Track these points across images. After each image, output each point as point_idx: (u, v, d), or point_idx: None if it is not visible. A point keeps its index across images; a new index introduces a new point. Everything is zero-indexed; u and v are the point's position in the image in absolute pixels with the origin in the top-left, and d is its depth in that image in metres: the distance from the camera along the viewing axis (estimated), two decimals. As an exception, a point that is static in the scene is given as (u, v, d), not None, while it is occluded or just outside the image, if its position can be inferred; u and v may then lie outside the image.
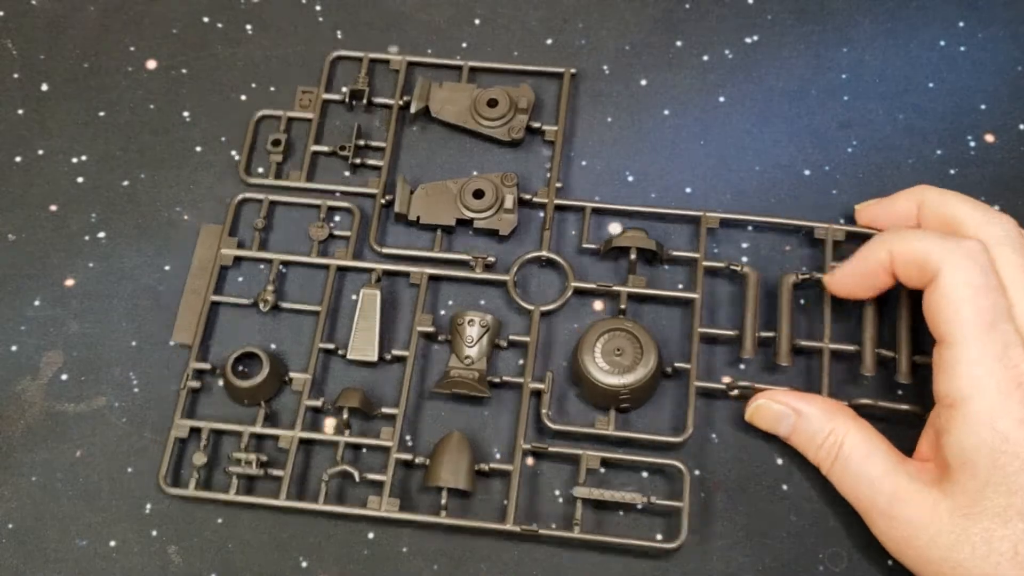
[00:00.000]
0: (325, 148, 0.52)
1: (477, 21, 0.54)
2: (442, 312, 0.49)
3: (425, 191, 0.50)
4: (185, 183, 0.51)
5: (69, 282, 0.50)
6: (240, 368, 0.47)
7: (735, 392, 0.46)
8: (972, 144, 0.50)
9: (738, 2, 0.53)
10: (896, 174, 0.50)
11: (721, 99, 0.52)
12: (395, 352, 0.47)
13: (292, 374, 0.47)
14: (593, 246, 0.49)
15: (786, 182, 0.50)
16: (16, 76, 0.53)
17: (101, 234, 0.50)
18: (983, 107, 0.51)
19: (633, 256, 0.48)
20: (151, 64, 0.53)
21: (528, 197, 0.50)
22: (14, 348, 0.48)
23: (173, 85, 0.53)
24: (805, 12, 0.53)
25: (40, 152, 0.52)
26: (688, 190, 0.50)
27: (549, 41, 0.53)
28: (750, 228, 0.49)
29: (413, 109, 0.51)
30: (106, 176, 0.51)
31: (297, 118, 0.52)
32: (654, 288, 0.48)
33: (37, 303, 0.49)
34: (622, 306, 0.48)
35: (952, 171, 0.50)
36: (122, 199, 0.51)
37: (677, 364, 0.46)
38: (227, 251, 0.50)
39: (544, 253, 0.49)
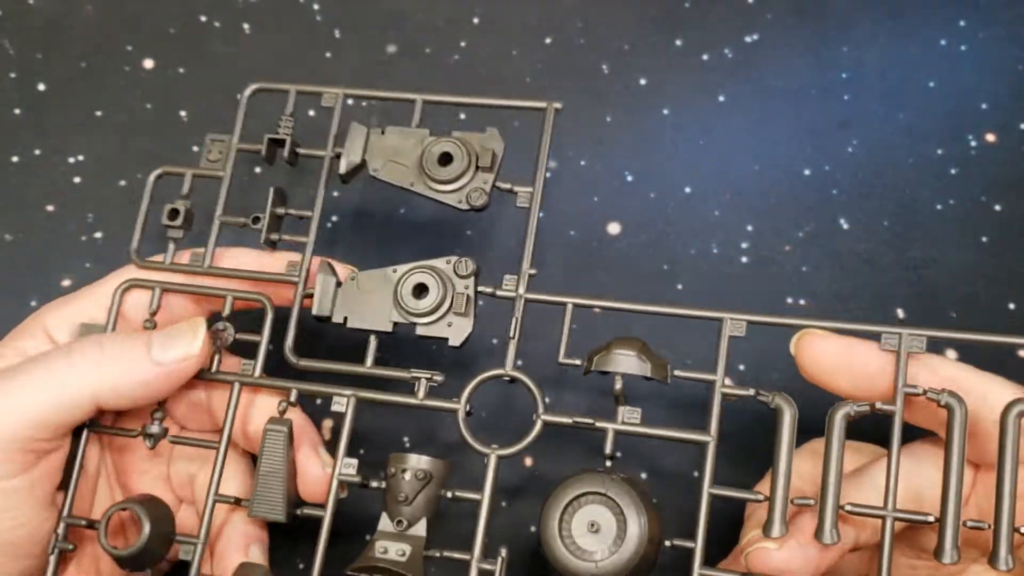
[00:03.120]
0: (236, 219, 0.42)
1: (476, 20, 0.54)
2: (366, 451, 0.42)
3: (357, 282, 0.40)
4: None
5: (66, 282, 0.49)
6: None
7: None
8: (973, 144, 0.50)
9: (738, 1, 0.53)
10: (896, 174, 0.50)
11: (721, 98, 0.51)
12: (308, 511, 0.39)
13: (180, 536, 0.39)
14: (575, 362, 0.38)
15: (786, 182, 0.50)
16: (13, 76, 0.53)
17: (98, 234, 0.50)
18: (984, 106, 0.51)
19: (619, 386, 0.37)
20: (148, 63, 0.53)
21: (490, 291, 0.40)
22: (11, 349, 0.48)
23: (170, 85, 0.53)
24: (805, 11, 0.53)
25: (37, 152, 0.52)
26: (687, 190, 0.50)
27: (548, 40, 0.53)
28: (750, 227, 0.49)
29: (343, 169, 0.41)
30: (103, 176, 0.51)
31: (204, 175, 0.43)
32: (655, 420, 0.38)
33: (34, 303, 0.49)
34: (608, 452, 0.37)
35: (953, 171, 0.50)
36: (119, 199, 0.51)
37: (677, 542, 0.37)
38: None
39: (507, 372, 0.39)
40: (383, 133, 0.42)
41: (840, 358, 0.37)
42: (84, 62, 0.53)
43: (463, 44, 0.53)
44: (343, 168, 0.41)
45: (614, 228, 0.49)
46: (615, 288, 0.48)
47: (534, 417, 0.38)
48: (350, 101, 0.43)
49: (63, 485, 0.39)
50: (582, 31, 0.53)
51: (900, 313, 0.48)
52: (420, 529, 0.38)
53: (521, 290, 0.39)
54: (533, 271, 0.40)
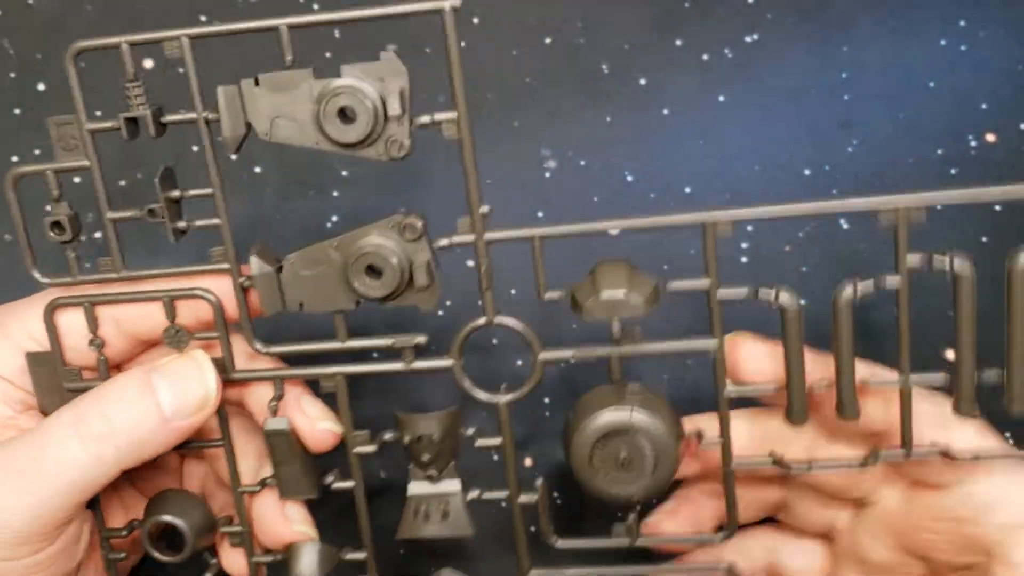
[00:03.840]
0: (128, 213, 0.38)
1: (475, 20, 0.54)
2: (368, 411, 0.42)
3: (296, 264, 0.36)
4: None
5: (66, 282, 0.49)
6: (159, 536, 0.40)
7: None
8: (973, 144, 0.50)
9: (738, 1, 0.53)
10: (896, 174, 0.50)
11: (721, 98, 0.51)
12: (337, 485, 0.39)
13: (225, 528, 0.40)
14: (555, 295, 0.37)
15: (786, 181, 0.50)
16: (13, 75, 0.53)
17: (98, 234, 0.50)
18: (984, 106, 0.51)
19: (616, 327, 0.37)
20: (148, 63, 0.53)
21: (445, 242, 0.36)
22: (10, 349, 0.48)
23: (170, 84, 0.53)
24: (805, 11, 0.53)
25: (36, 152, 0.52)
26: (687, 190, 0.50)
27: (548, 40, 0.53)
28: (750, 227, 0.49)
29: (229, 148, 0.36)
30: (103, 176, 0.51)
31: (67, 169, 0.38)
32: (657, 336, 0.38)
33: (34, 303, 0.49)
34: (616, 377, 0.38)
35: (953, 171, 0.50)
36: (119, 199, 0.50)
37: (707, 444, 0.38)
38: (73, 386, 0.39)
39: (491, 319, 0.37)
40: (256, 85, 0.35)
41: (766, 357, 0.38)
42: (84, 62, 0.53)
43: (463, 44, 0.53)
44: (229, 147, 0.36)
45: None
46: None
47: (532, 359, 0.37)
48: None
49: (89, 505, 0.39)
50: (582, 31, 0.53)
51: (900, 313, 0.48)
52: (452, 475, 0.39)
53: (479, 233, 0.36)
54: (485, 208, 0.36)
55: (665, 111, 0.51)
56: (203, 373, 0.37)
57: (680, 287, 0.37)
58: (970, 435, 0.38)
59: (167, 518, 0.39)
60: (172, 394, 0.37)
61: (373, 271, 0.36)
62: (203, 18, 0.54)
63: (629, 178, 0.50)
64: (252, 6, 0.54)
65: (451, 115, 0.35)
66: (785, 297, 0.36)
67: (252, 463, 0.41)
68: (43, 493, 0.36)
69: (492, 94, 0.50)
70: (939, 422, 0.38)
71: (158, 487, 0.43)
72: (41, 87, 0.53)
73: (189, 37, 0.36)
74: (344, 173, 0.51)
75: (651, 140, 0.51)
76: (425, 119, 0.35)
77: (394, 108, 0.34)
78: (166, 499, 0.40)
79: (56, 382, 0.39)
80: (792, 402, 0.37)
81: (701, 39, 0.53)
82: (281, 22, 0.34)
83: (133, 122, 0.37)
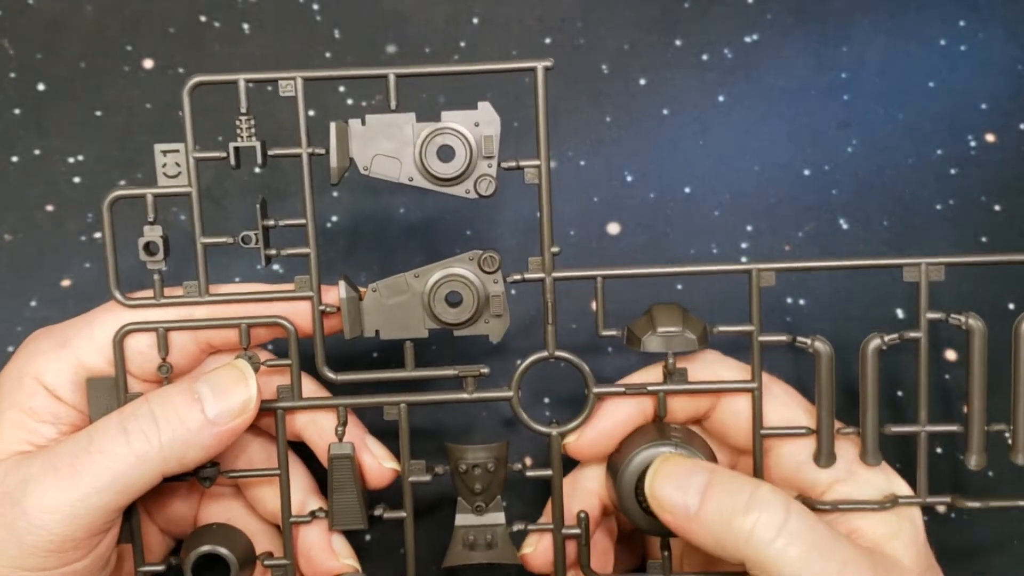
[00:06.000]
0: (221, 239, 0.39)
1: (475, 20, 0.54)
2: (423, 442, 0.43)
3: (378, 292, 0.39)
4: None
5: (65, 282, 0.50)
6: (201, 570, 0.39)
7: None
8: (973, 144, 0.50)
9: (737, 1, 0.53)
10: (896, 174, 0.50)
11: (720, 98, 0.51)
12: (388, 515, 0.40)
13: (268, 561, 0.40)
14: (613, 333, 0.41)
15: (785, 182, 0.50)
16: (12, 75, 0.53)
17: (97, 234, 0.50)
18: (984, 107, 0.51)
19: (671, 361, 0.40)
20: (148, 63, 0.53)
21: (518, 277, 0.40)
22: (11, 349, 0.48)
23: (170, 85, 0.53)
24: (805, 11, 0.53)
25: (36, 152, 0.52)
26: (687, 190, 0.50)
27: (548, 40, 0.53)
28: (750, 227, 0.49)
29: (334, 179, 0.38)
30: (103, 176, 0.51)
31: (167, 194, 0.40)
32: (700, 376, 0.40)
33: (34, 303, 0.49)
34: (661, 414, 0.40)
35: (952, 171, 0.50)
36: (119, 200, 0.51)
37: None
38: None
39: (551, 352, 0.40)
40: (363, 124, 0.38)
41: (600, 436, 0.41)
42: (84, 62, 0.53)
43: (463, 44, 0.53)
44: (334, 177, 0.38)
45: (614, 228, 0.49)
46: (614, 287, 0.47)
47: (586, 392, 0.40)
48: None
49: (120, 540, 0.39)
50: (582, 31, 0.53)
51: (900, 313, 0.48)
52: (498, 508, 0.40)
53: (548, 271, 0.39)
54: (556, 249, 0.40)
55: (665, 111, 0.51)
56: (246, 379, 0.38)
57: (726, 331, 0.40)
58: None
59: (215, 549, 0.38)
60: (215, 397, 0.37)
61: (452, 300, 0.39)
62: (203, 18, 0.54)
63: (629, 178, 0.50)
64: (251, 6, 0.54)
65: (535, 162, 0.39)
66: (819, 345, 0.39)
67: (297, 496, 0.41)
68: (84, 489, 0.36)
69: (492, 94, 0.50)
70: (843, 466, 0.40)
71: (178, 525, 0.43)
72: (41, 87, 0.53)
73: (304, 79, 0.38)
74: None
75: (651, 140, 0.51)
76: (510, 163, 0.39)
77: (487, 151, 0.38)
78: (210, 531, 0.40)
79: (114, 407, 0.39)
80: (821, 445, 0.39)
81: (701, 39, 0.53)
82: (390, 71, 0.38)
83: (238, 157, 0.39)
